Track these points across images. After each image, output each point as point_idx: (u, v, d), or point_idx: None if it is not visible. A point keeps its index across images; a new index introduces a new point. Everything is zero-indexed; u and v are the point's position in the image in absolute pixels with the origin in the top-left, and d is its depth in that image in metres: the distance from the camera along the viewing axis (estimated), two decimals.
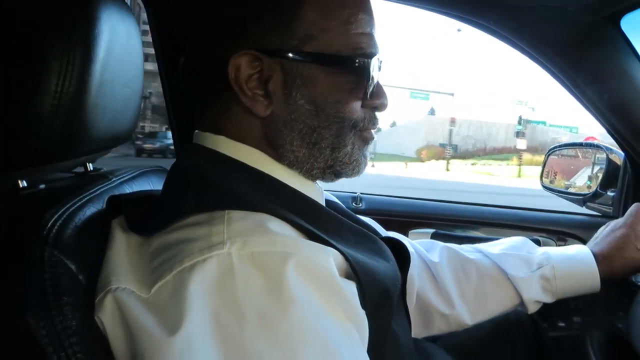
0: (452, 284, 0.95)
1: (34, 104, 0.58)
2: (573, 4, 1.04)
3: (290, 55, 0.62)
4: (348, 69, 0.64)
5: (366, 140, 0.69)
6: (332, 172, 0.68)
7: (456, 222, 1.53)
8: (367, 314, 0.56)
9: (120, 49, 0.69)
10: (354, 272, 0.57)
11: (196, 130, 0.70)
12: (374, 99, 0.67)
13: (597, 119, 1.27)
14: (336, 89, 0.64)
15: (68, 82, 0.59)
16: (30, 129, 0.59)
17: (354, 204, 1.58)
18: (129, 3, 0.83)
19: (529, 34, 1.16)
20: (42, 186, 0.70)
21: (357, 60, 0.63)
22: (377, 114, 0.70)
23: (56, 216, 0.59)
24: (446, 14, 1.21)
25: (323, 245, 0.55)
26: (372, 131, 0.70)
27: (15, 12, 0.59)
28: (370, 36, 0.65)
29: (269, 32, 0.62)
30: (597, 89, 1.19)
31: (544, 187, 1.61)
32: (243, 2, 0.63)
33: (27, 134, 0.60)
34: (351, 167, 0.68)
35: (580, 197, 1.52)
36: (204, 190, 0.60)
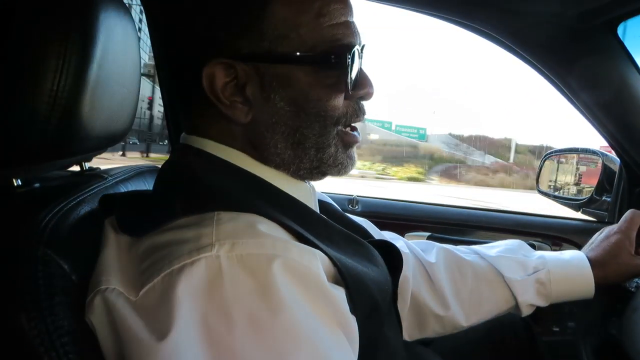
0: (448, 285, 0.95)
1: (30, 102, 0.58)
2: (570, 10, 1.05)
3: (264, 57, 0.60)
4: (326, 65, 0.62)
5: (349, 143, 0.68)
6: (319, 172, 0.67)
7: (452, 226, 1.54)
8: (357, 320, 0.56)
9: (117, 48, 0.68)
10: (342, 277, 0.56)
11: (183, 133, 0.69)
12: (358, 90, 0.66)
13: (592, 124, 1.27)
14: (316, 87, 0.62)
15: (64, 80, 0.58)
16: (26, 127, 0.59)
17: (350, 206, 1.58)
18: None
19: (525, 38, 1.17)
20: (37, 185, 0.69)
21: (333, 56, 0.61)
22: (364, 103, 0.68)
23: (50, 215, 0.59)
24: (443, 18, 1.21)
25: (311, 248, 0.55)
26: (356, 134, 0.69)
27: (12, 11, 0.59)
28: (346, 24, 0.63)
29: (238, 36, 0.60)
30: (592, 95, 1.20)
31: (540, 191, 1.62)
32: (209, 10, 0.61)
33: (22, 132, 0.59)
34: (337, 169, 0.67)
35: (575, 202, 1.52)
36: (193, 191, 0.60)
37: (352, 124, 0.68)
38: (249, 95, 0.62)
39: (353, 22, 0.65)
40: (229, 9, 0.60)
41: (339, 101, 0.64)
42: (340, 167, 0.67)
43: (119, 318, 0.50)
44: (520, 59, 1.22)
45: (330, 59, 0.61)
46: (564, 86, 1.22)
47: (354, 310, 0.56)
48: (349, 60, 0.62)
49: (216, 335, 0.47)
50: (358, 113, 0.67)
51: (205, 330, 0.47)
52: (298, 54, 0.61)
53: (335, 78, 0.63)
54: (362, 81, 0.66)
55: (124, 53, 0.71)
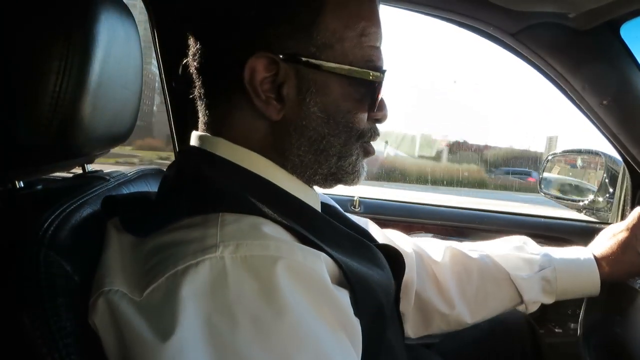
0: (453, 284, 0.95)
1: (32, 104, 0.58)
2: (573, 11, 1.05)
3: (307, 61, 0.62)
4: (360, 81, 0.64)
5: (368, 152, 0.70)
6: (334, 179, 0.68)
7: (454, 227, 1.53)
8: (360, 322, 0.56)
9: (119, 50, 0.68)
10: (347, 279, 0.56)
11: (194, 132, 0.69)
12: (378, 111, 0.68)
13: (595, 125, 1.27)
14: (348, 99, 0.64)
15: (66, 82, 0.58)
16: (28, 129, 0.59)
17: (352, 207, 1.58)
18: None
19: (528, 39, 1.17)
20: (39, 187, 0.70)
21: (371, 74, 0.64)
22: (378, 126, 0.71)
23: (53, 217, 0.59)
24: (445, 19, 1.21)
25: (316, 250, 0.55)
26: (372, 145, 0.71)
27: (14, 12, 0.59)
28: (379, 50, 0.66)
29: (287, 36, 0.62)
30: (595, 96, 1.20)
31: (543, 192, 1.61)
32: (264, 4, 0.62)
33: (24, 134, 0.60)
34: (352, 177, 0.69)
35: (578, 203, 1.52)
36: (199, 192, 0.60)
37: (371, 141, 0.70)
38: (284, 94, 0.63)
39: (382, 50, 0.68)
40: (287, 7, 0.62)
41: (364, 117, 0.67)
42: (355, 175, 0.69)
43: (122, 319, 0.50)
44: (522, 59, 1.22)
45: (367, 77, 0.64)
46: (566, 87, 1.22)
47: (357, 312, 0.56)
48: (382, 82, 0.65)
49: (220, 335, 0.47)
50: (375, 133, 0.70)
51: (209, 331, 0.47)
52: (338, 64, 0.63)
53: (364, 96, 0.65)
54: (381, 104, 0.69)
55: (126, 54, 0.71)
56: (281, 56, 0.61)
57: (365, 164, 0.71)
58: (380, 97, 0.66)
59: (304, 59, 0.62)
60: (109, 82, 0.66)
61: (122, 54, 0.70)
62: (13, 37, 0.58)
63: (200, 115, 0.69)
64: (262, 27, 0.62)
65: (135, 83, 0.76)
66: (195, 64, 0.67)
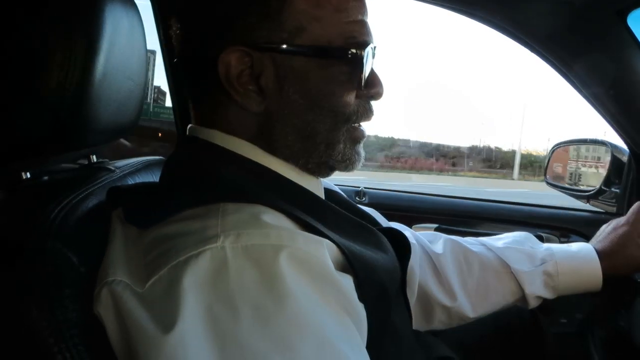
0: (455, 276, 0.95)
1: (38, 96, 0.58)
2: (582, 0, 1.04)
3: (281, 48, 0.60)
4: (341, 60, 0.62)
5: (357, 139, 0.68)
6: (327, 166, 0.67)
7: (460, 218, 1.53)
8: (365, 307, 0.56)
9: (124, 41, 0.68)
10: (350, 264, 0.56)
11: (190, 125, 0.69)
12: (369, 88, 0.66)
13: (601, 114, 1.26)
14: (330, 81, 0.63)
15: (71, 73, 0.59)
16: (34, 121, 0.60)
17: (357, 197, 1.58)
18: None
19: (533, 27, 1.16)
20: (46, 178, 0.70)
21: (349, 51, 0.62)
22: (373, 103, 0.69)
23: (59, 208, 0.59)
24: (450, 8, 1.20)
25: (318, 237, 0.55)
26: (363, 129, 0.69)
27: (18, 4, 0.59)
28: (362, 23, 0.64)
29: (257, 25, 0.60)
30: (602, 85, 1.19)
31: (548, 183, 1.60)
32: None
33: (30, 125, 0.60)
34: (344, 165, 0.68)
35: (584, 193, 1.51)
36: (199, 183, 0.60)
37: (362, 121, 0.68)
38: (263, 85, 0.62)
39: (367, 22, 0.65)
40: None
41: (351, 98, 0.65)
42: (348, 163, 0.68)
43: (125, 310, 0.50)
44: (528, 48, 1.21)
45: (346, 55, 0.62)
46: (572, 76, 1.21)
47: (361, 297, 0.56)
48: (364, 58, 0.62)
49: (222, 326, 0.47)
50: (368, 113, 0.68)
51: (211, 322, 0.47)
52: (314, 47, 0.61)
53: (349, 75, 0.63)
54: (374, 80, 0.67)
55: (130, 45, 0.71)
56: (254, 47, 0.60)
57: (360, 150, 0.69)
58: (366, 73, 0.64)
59: (277, 46, 0.60)
60: (114, 73, 0.66)
61: (127, 45, 0.70)
62: (18, 29, 0.58)
63: (192, 108, 0.69)
64: (231, 20, 0.61)
65: (139, 74, 0.76)
66: (180, 60, 0.67)
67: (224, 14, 0.61)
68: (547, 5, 1.09)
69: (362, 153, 0.70)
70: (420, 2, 1.21)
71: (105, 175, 0.75)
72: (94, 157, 0.84)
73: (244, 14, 0.61)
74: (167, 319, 0.47)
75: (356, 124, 0.68)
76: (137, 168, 0.85)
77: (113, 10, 0.64)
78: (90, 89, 0.61)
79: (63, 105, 0.59)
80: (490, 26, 1.20)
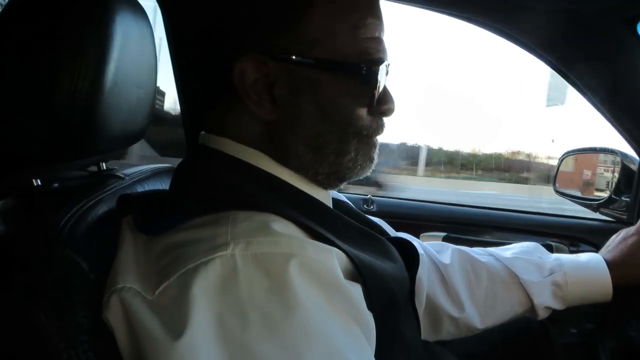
0: (463, 287, 0.94)
1: (49, 103, 0.59)
2: (590, 6, 1.03)
3: (297, 59, 0.61)
4: (355, 75, 0.62)
5: (370, 147, 0.68)
6: (337, 177, 0.67)
7: (468, 226, 1.52)
8: (373, 316, 0.56)
9: (134, 50, 0.69)
10: (359, 273, 0.56)
11: (202, 132, 0.70)
12: (381, 105, 0.66)
13: (610, 122, 1.25)
14: (343, 95, 0.63)
15: (82, 81, 0.59)
16: (45, 128, 0.60)
17: (365, 206, 1.57)
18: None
19: (543, 36, 1.15)
20: (56, 185, 0.70)
21: (364, 68, 0.62)
22: (385, 119, 0.69)
23: (69, 215, 0.60)
24: (455, 16, 1.20)
25: (327, 246, 0.55)
26: (376, 140, 0.69)
27: (30, 14, 0.60)
28: (378, 41, 0.64)
29: (275, 35, 0.61)
30: (611, 93, 1.18)
31: (557, 191, 1.59)
32: (250, 4, 0.62)
33: (41, 133, 0.60)
34: (355, 171, 0.67)
35: (593, 202, 1.50)
36: (209, 191, 0.60)
37: (375, 136, 0.68)
38: (276, 94, 0.62)
39: (383, 40, 0.66)
40: (270, 6, 0.61)
41: (363, 112, 0.65)
42: (359, 169, 0.67)
43: (135, 317, 0.51)
44: (537, 56, 1.21)
45: (361, 70, 0.62)
46: (582, 84, 1.21)
47: (370, 306, 0.56)
48: (378, 75, 0.63)
49: (231, 333, 0.47)
50: (380, 129, 0.68)
51: (220, 329, 0.47)
52: (330, 60, 0.61)
53: (362, 90, 0.63)
54: (386, 97, 0.67)
55: (140, 54, 0.72)
56: (270, 56, 0.61)
57: (374, 156, 0.69)
58: (379, 90, 0.64)
59: (293, 57, 0.61)
60: (124, 82, 0.67)
61: (137, 54, 0.70)
62: (30, 37, 0.59)
63: (206, 115, 0.70)
64: (249, 28, 0.62)
65: (149, 82, 0.77)
66: (197, 66, 0.68)
67: (242, 22, 0.62)
68: (557, 14, 1.08)
69: (375, 158, 0.69)
70: (421, 9, 1.21)
71: (115, 183, 0.75)
72: (104, 164, 0.85)
73: (262, 23, 0.61)
74: (176, 326, 0.47)
75: (367, 140, 0.67)
76: (146, 175, 0.86)
77: (123, 19, 0.65)
78: (101, 97, 0.62)
79: (74, 113, 0.60)
80: (500, 35, 1.20)
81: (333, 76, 0.62)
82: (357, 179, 0.69)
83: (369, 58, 0.63)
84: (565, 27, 1.12)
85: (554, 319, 0.99)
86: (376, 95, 0.64)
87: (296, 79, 0.62)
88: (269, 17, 0.61)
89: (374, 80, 0.63)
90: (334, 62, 0.61)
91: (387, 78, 0.67)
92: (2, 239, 0.56)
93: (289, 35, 0.61)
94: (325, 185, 0.68)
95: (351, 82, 0.63)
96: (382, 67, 0.63)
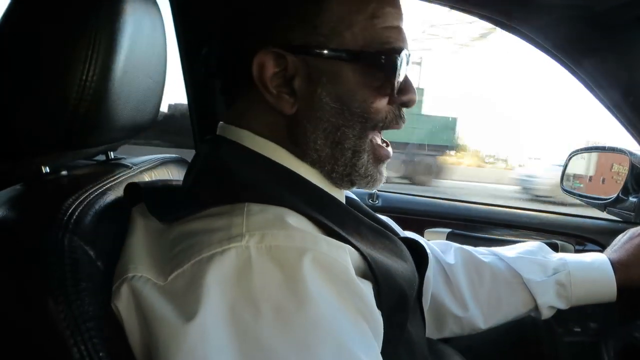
0: (466, 286, 0.94)
1: (59, 91, 0.59)
2: (601, 5, 1.03)
3: (316, 52, 0.61)
4: (375, 66, 0.62)
5: (381, 158, 0.68)
6: (349, 180, 0.67)
7: (473, 223, 1.52)
8: (382, 315, 0.56)
9: (145, 40, 0.69)
10: (371, 271, 0.56)
11: (220, 122, 0.70)
12: (402, 95, 0.66)
13: (620, 122, 1.24)
14: (363, 87, 0.63)
15: (92, 70, 0.59)
16: (54, 116, 0.60)
17: (370, 200, 1.57)
18: None
19: (553, 34, 1.14)
20: (64, 173, 0.71)
21: (383, 57, 0.62)
22: (404, 110, 0.69)
23: (77, 202, 0.60)
24: (469, 13, 1.19)
25: (340, 242, 0.55)
26: (389, 150, 0.69)
27: (43, 3, 0.60)
28: (397, 30, 0.64)
29: (293, 28, 0.61)
30: (622, 92, 1.17)
31: (564, 190, 1.59)
32: None
33: (51, 120, 0.61)
34: (365, 181, 0.68)
35: (601, 201, 1.49)
36: (225, 181, 0.60)
37: (391, 128, 0.68)
38: (296, 87, 0.62)
39: (403, 29, 0.65)
40: (288, 1, 0.61)
41: (383, 104, 0.65)
42: (369, 180, 0.68)
43: (146, 304, 0.51)
44: (548, 54, 1.20)
45: (380, 60, 0.62)
46: (592, 83, 1.20)
47: (380, 304, 0.56)
48: (398, 64, 0.62)
49: (243, 323, 0.48)
50: (398, 119, 0.68)
51: (232, 318, 0.48)
52: (349, 51, 0.61)
53: (382, 81, 0.63)
54: (407, 87, 0.66)
55: (151, 44, 0.72)
56: (289, 49, 0.61)
57: (383, 170, 0.69)
58: (400, 80, 0.64)
59: (311, 49, 0.61)
60: (134, 72, 0.67)
61: (148, 44, 0.70)
62: (42, 26, 0.59)
63: (225, 107, 0.70)
64: (267, 22, 0.62)
65: (159, 73, 0.77)
66: (214, 59, 0.68)
67: (260, 16, 0.62)
68: (567, 11, 1.07)
69: (385, 173, 0.70)
70: (435, 5, 1.20)
71: (123, 172, 0.76)
72: (112, 153, 0.85)
73: (280, 16, 0.61)
74: (188, 310, 0.48)
75: (380, 142, 0.68)
76: (154, 165, 0.86)
77: (135, 9, 0.65)
78: (111, 86, 0.62)
79: (84, 102, 0.60)
80: (511, 32, 1.19)
81: (353, 67, 0.62)
82: (366, 189, 0.69)
83: (389, 47, 0.62)
84: (577, 26, 1.11)
85: (558, 318, 0.98)
86: (396, 85, 0.63)
87: (315, 71, 0.62)
88: (287, 10, 0.61)
89: (394, 69, 0.62)
90: (353, 53, 0.61)
91: (407, 68, 0.66)
92: (10, 225, 0.57)
93: (307, 28, 0.61)
94: (338, 184, 0.68)
95: (371, 73, 0.62)
96: (403, 56, 0.63)
